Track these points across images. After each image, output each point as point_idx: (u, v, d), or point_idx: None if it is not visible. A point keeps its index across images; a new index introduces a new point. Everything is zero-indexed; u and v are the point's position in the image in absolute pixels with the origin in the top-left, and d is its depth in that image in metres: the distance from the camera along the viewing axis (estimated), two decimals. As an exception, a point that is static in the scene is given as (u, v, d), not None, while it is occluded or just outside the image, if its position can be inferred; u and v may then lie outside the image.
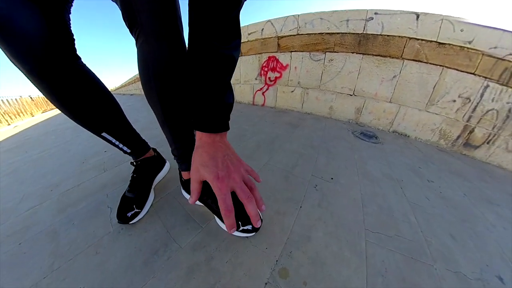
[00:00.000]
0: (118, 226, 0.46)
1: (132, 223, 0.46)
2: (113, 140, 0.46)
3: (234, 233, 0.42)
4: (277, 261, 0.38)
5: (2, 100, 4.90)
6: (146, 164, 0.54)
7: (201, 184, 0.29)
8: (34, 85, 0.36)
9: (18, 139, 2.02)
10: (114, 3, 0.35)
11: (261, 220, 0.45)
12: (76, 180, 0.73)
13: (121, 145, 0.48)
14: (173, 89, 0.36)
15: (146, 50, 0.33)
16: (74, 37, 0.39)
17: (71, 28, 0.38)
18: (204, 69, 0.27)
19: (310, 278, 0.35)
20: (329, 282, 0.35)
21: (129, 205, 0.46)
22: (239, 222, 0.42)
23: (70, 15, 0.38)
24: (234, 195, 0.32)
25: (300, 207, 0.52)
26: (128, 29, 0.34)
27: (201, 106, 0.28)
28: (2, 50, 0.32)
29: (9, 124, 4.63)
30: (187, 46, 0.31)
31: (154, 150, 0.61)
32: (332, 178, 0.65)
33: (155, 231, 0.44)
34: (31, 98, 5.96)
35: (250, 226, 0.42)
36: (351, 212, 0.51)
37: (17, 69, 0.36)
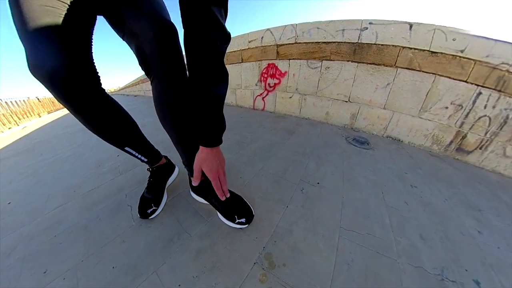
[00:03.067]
0: (139, 221, 0.58)
1: (151, 218, 0.59)
2: (134, 152, 0.58)
3: (230, 225, 0.55)
4: (264, 247, 0.50)
5: (11, 102, 5.20)
6: (160, 170, 0.68)
7: (201, 171, 0.46)
8: (76, 117, 0.46)
9: (29, 141, 2.19)
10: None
11: (253, 214, 0.57)
12: (96, 182, 0.86)
13: (139, 156, 0.60)
14: (183, 118, 0.48)
15: (160, 90, 0.45)
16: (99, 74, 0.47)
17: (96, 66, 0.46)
18: (201, 105, 0.40)
19: (288, 261, 0.46)
20: (303, 265, 0.46)
21: (148, 204, 0.60)
22: (235, 216, 0.54)
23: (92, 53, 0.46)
24: (232, 202, 0.56)
25: (287, 207, 0.63)
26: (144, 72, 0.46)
27: (203, 132, 0.42)
28: (53, 94, 0.41)
29: (17, 125, 4.92)
30: None
31: (166, 157, 0.74)
32: (318, 183, 0.75)
33: (170, 223, 0.57)
34: (38, 99, 6.28)
35: (244, 219, 0.54)
36: (330, 212, 0.62)
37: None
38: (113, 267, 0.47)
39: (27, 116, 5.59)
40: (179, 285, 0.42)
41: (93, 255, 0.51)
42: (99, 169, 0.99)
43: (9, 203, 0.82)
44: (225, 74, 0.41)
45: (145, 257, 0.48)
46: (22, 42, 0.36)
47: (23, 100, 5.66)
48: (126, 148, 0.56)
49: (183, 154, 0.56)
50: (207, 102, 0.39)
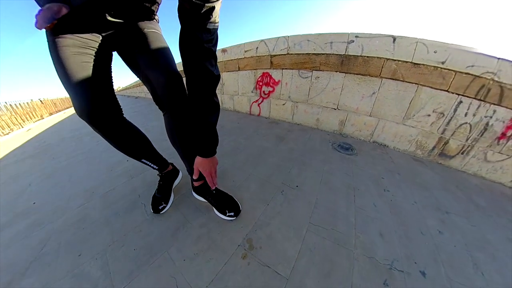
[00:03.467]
0: (152, 215, 0.78)
1: (162, 213, 0.78)
2: (148, 163, 0.77)
3: (222, 217, 0.74)
4: (246, 234, 0.68)
5: (15, 104, 5.53)
6: (168, 175, 0.87)
7: (199, 171, 0.63)
8: (105, 139, 0.63)
9: (38, 144, 2.39)
10: None
11: (240, 209, 0.76)
12: (111, 185, 1.04)
13: (152, 165, 0.79)
14: (187, 140, 0.66)
15: (171, 121, 0.63)
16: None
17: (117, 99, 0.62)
18: (200, 129, 0.58)
19: (264, 245, 0.64)
20: (275, 248, 0.63)
21: (159, 202, 0.79)
22: (226, 210, 0.73)
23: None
24: (222, 195, 0.75)
25: (267, 204, 0.81)
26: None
27: (201, 147, 0.60)
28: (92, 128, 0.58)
29: (22, 127, 5.24)
30: None
31: (172, 164, 0.93)
32: (297, 186, 0.92)
33: (177, 217, 0.77)
34: (40, 101, 6.61)
35: (233, 213, 0.73)
36: (303, 211, 0.78)
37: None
38: (134, 249, 0.65)
39: (30, 118, 5.92)
40: (184, 260, 0.60)
41: (117, 241, 0.69)
42: (111, 173, 1.18)
43: (34, 203, 0.99)
44: (217, 106, 0.58)
45: (158, 241, 0.67)
46: (68, 92, 0.52)
47: (26, 102, 5.99)
48: (143, 160, 0.75)
49: (187, 164, 0.76)
50: (204, 127, 0.57)
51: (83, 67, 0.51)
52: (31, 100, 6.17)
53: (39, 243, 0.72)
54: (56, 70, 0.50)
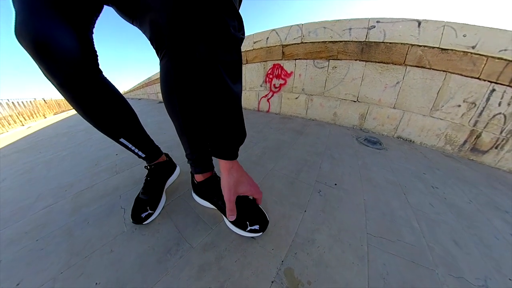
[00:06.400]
0: (131, 226, 0.49)
1: (146, 224, 0.49)
2: (130, 146, 0.50)
3: (240, 233, 0.45)
4: (282, 261, 0.40)
5: (17, 102, 5.17)
6: (159, 168, 0.58)
7: (235, 200, 0.40)
8: (63, 95, 0.40)
9: (31, 140, 2.12)
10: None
11: (268, 220, 0.48)
12: (89, 182, 0.77)
13: (136, 150, 0.52)
14: (191, 103, 0.41)
15: (171, 66, 0.38)
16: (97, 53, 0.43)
17: (95, 46, 0.43)
18: (223, 107, 0.34)
19: (314, 278, 0.37)
20: (332, 283, 0.36)
21: (143, 207, 0.50)
22: (247, 222, 0.44)
23: (93, 35, 0.42)
24: (240, 198, 0.46)
25: (305, 211, 0.54)
26: (154, 50, 0.39)
27: (227, 144, 0.37)
28: (37, 65, 0.36)
29: (22, 125, 4.86)
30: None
31: (166, 155, 0.65)
32: (336, 184, 0.67)
33: (168, 231, 0.47)
34: (44, 100, 6.26)
35: (258, 226, 0.44)
36: (354, 217, 0.53)
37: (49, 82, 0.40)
38: (96, 283, 0.37)
39: (33, 117, 5.54)
40: (180, 310, 0.32)
41: (75, 266, 0.41)
42: (95, 168, 0.91)
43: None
44: (240, 72, 0.35)
45: (136, 271, 0.38)
46: (15, 8, 0.30)
47: (29, 101, 5.63)
48: (121, 140, 0.48)
49: (187, 145, 0.47)
50: (229, 102, 0.33)
51: None
52: (34, 99, 5.81)
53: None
54: None
